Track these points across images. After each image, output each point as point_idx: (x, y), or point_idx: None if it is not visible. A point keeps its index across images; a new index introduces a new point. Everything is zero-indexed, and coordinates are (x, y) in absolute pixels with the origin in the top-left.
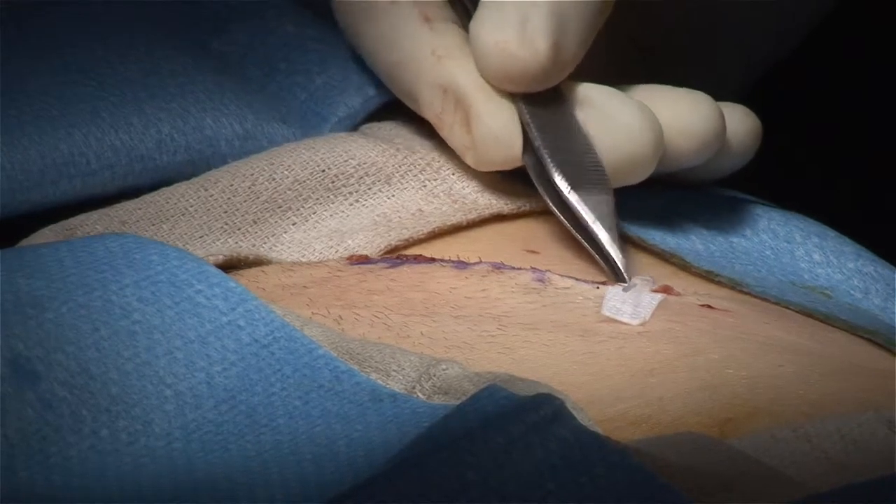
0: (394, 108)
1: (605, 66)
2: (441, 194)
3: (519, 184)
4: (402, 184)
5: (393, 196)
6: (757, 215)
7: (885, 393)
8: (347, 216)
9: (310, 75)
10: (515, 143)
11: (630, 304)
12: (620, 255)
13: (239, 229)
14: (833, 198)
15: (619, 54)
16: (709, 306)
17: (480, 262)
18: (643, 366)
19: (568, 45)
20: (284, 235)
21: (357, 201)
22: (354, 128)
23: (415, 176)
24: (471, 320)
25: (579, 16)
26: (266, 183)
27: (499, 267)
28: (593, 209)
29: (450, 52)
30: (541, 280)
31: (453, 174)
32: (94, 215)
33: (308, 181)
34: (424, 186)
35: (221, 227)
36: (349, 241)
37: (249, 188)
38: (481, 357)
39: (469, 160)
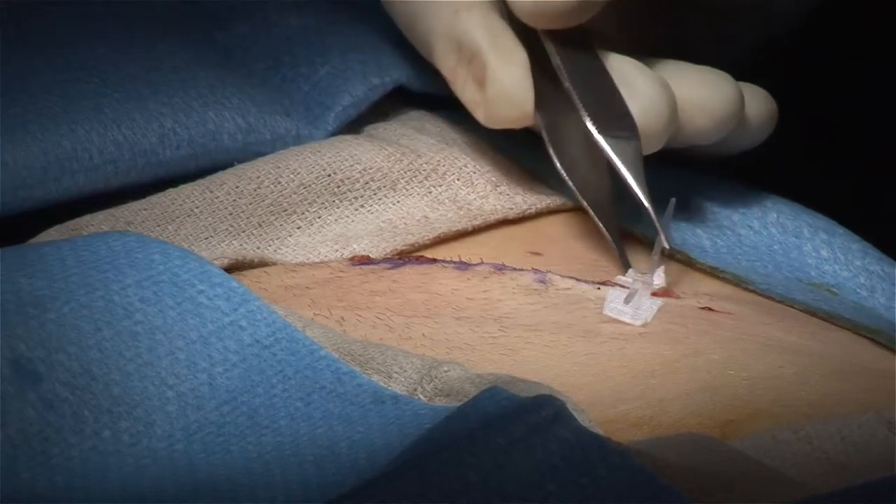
0: (398, 97)
1: (635, 41)
2: (446, 201)
3: (523, 186)
4: (407, 189)
5: (398, 202)
6: (766, 208)
7: (885, 393)
8: (353, 221)
9: (313, 66)
10: (528, 101)
11: (631, 305)
12: (649, 199)
13: (244, 232)
14: (833, 197)
15: (649, 31)
16: (709, 309)
17: (482, 263)
18: (644, 367)
19: None
20: (289, 239)
21: (362, 206)
22: (358, 120)
23: (420, 182)
24: (472, 321)
25: None
26: (271, 186)
27: (500, 268)
28: (621, 154)
29: (469, 7)
30: (542, 281)
31: (458, 179)
32: (100, 216)
33: (313, 185)
34: (430, 193)
35: (226, 230)
36: (354, 246)
37: (255, 191)
38: (483, 358)
39: (480, 116)
